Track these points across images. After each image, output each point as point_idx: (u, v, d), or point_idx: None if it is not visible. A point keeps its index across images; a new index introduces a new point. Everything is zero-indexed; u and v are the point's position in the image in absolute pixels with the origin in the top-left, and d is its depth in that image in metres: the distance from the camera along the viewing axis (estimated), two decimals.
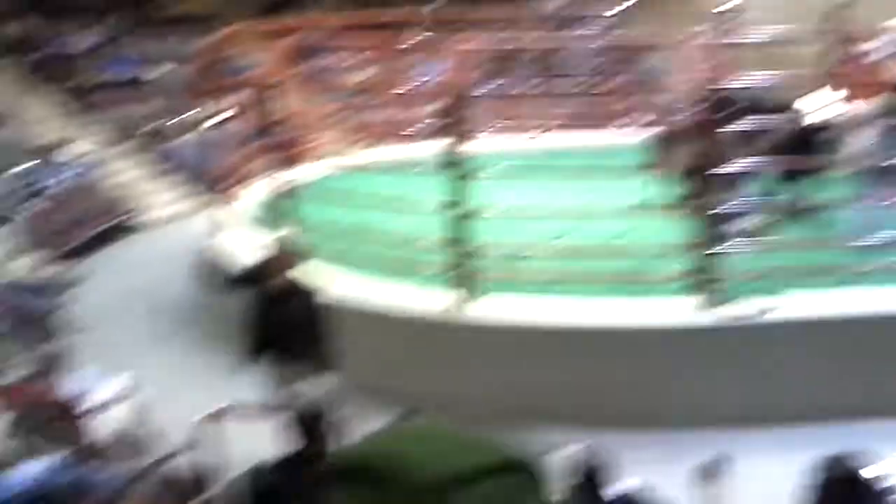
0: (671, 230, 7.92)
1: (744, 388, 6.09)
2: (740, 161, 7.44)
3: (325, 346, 5.13)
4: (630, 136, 10.73)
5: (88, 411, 3.71)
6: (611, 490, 3.52)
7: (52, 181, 10.99)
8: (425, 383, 6.17)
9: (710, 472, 3.57)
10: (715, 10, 12.16)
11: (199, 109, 10.04)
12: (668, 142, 8.54)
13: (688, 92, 6.85)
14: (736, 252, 6.57)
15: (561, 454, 3.69)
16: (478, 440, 0.54)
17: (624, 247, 7.28)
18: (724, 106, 7.66)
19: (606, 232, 7.84)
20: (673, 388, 6.09)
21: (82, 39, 14.75)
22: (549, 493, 0.57)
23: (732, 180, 7.70)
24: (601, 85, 13.96)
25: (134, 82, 14.57)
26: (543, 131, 12.10)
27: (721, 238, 6.43)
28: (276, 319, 5.22)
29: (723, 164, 6.65)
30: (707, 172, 6.17)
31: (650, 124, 12.90)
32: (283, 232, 5.82)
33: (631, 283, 6.69)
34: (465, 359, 6.29)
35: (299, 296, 5.27)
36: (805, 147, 7.86)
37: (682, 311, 6.25)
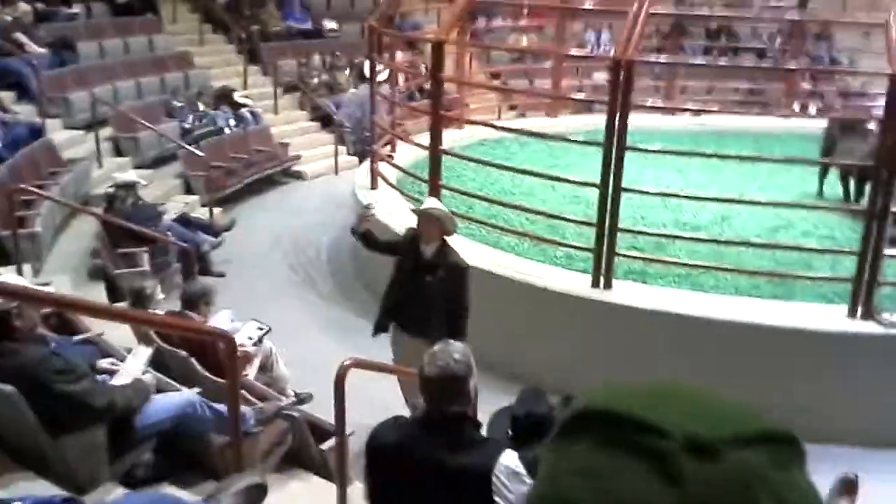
0: (833, 228, 7.40)
1: (891, 403, 5.62)
2: None
3: (459, 318, 5.10)
4: (803, 123, 10.03)
5: (235, 352, 3.85)
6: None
7: (221, 125, 11.53)
8: (553, 362, 6.07)
9: (847, 487, 3.34)
10: None
11: (367, 64, 10.22)
12: (846, 132, 7.93)
13: (878, 79, 6.29)
14: None
15: None
16: (734, 404, 0.50)
17: (780, 242, 6.86)
18: None
19: (764, 224, 7.43)
20: (811, 398, 5.70)
21: None
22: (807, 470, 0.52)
23: None
24: (778, 65, 13.16)
25: (308, 34, 15.02)
26: (709, 111, 11.52)
27: (891, 242, 5.91)
28: (414, 290, 5.23)
29: None
30: (889, 170, 5.65)
31: (828, 111, 12.07)
32: (432, 201, 5.75)
33: (782, 281, 6.29)
34: (599, 341, 6.13)
35: (440, 267, 5.22)
36: None
37: (834, 316, 5.81)
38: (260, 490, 2.61)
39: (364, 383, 5.39)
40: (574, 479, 0.59)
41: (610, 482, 0.57)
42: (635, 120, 6.49)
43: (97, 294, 6.87)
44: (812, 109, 12.58)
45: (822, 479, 3.44)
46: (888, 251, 5.85)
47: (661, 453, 0.56)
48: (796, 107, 12.10)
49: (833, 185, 8.53)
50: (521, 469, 2.80)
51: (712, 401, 0.63)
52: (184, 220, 8.61)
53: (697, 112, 11.16)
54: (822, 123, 8.87)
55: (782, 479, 0.57)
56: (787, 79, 11.79)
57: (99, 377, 4.10)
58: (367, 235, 5.61)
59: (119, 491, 3.62)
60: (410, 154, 9.06)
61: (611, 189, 6.18)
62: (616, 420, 0.59)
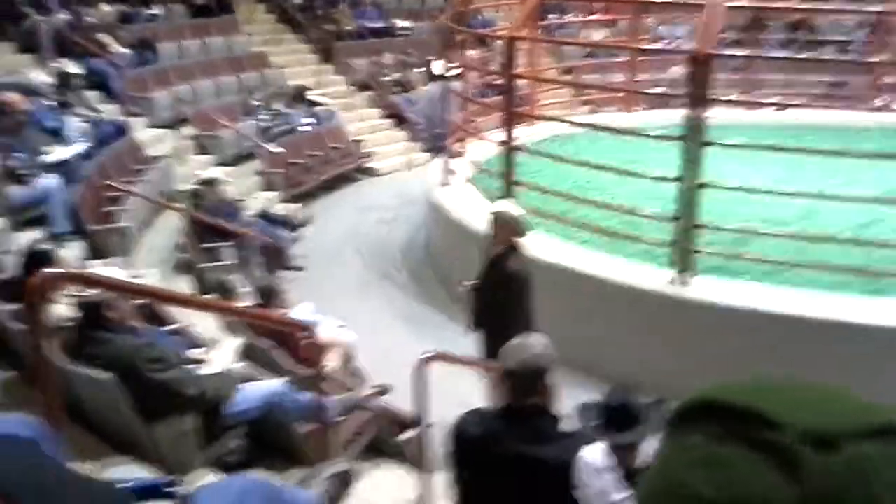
0: None
1: None
2: None
3: (506, 330, 5.04)
4: (888, 118, 9.69)
5: (316, 343, 3.95)
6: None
7: (297, 123, 11.75)
8: (631, 359, 6.01)
9: None
10: None
11: (439, 62, 10.28)
12: None
13: None
14: None
15: None
16: (851, 397, 0.50)
17: (865, 239, 6.64)
18: None
19: (852, 220, 7.20)
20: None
21: None
22: None
23: None
24: (861, 59, 12.74)
25: (381, 32, 15.18)
26: (790, 105, 11.22)
27: None
28: (492, 288, 5.22)
29: None
30: None
31: None
32: (507, 200, 5.71)
33: (872, 277, 6.09)
34: (678, 338, 6.05)
35: (512, 264, 5.19)
36: None
37: None
38: (348, 476, 2.67)
39: (441, 376, 5.44)
40: (692, 471, 0.59)
41: (729, 474, 0.57)
42: (715, 114, 6.38)
43: (183, 287, 7.08)
44: None
45: None
46: None
47: (780, 446, 0.56)
48: (879, 101, 11.69)
49: None
50: (603, 464, 2.79)
51: (829, 394, 0.62)
52: (265, 216, 8.81)
53: (781, 106, 10.89)
54: None
55: None
56: (872, 72, 11.41)
57: (190, 366, 4.23)
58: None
59: (210, 476, 3.74)
60: (483, 150, 9.07)
61: (692, 184, 6.07)
62: (734, 412, 0.59)
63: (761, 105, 11.07)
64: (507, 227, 5.17)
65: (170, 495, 2.55)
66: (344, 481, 2.67)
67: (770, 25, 14.28)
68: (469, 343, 6.87)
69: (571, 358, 5.56)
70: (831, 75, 12.42)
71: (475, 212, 7.83)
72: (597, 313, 6.45)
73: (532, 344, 3.19)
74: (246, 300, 5.78)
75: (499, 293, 5.13)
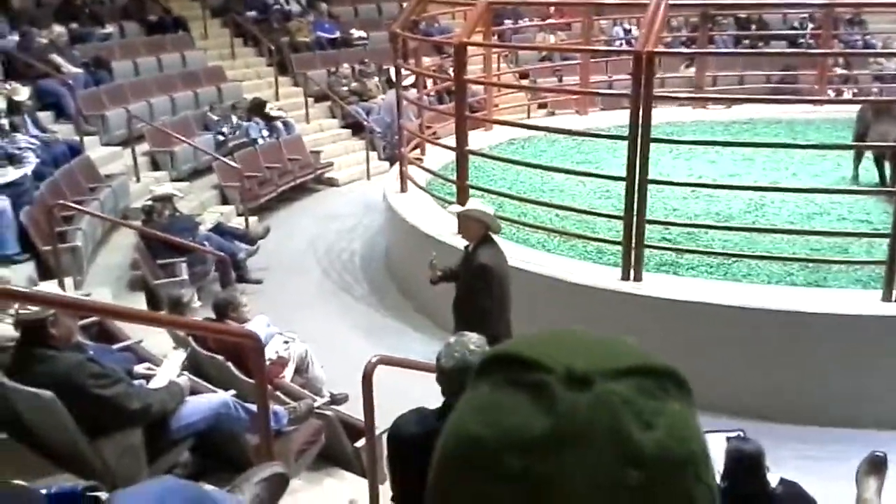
0: (869, 212, 7.29)
1: None
2: None
3: (473, 319, 5.09)
4: (836, 109, 9.88)
5: (263, 353, 3.95)
6: (765, 479, 3.37)
7: (255, 135, 11.73)
8: None
9: (875, 467, 3.30)
10: None
11: (394, 71, 10.31)
12: (879, 116, 7.80)
13: None
14: None
15: (717, 440, 3.54)
16: (623, 345, 0.54)
17: (813, 228, 6.77)
18: None
19: (798, 211, 7.35)
20: (845, 383, 5.62)
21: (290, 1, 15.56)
22: (692, 401, 0.56)
23: None
24: (808, 52, 12.97)
25: (337, 43, 15.19)
26: (738, 99, 11.40)
27: None
28: (464, 283, 5.29)
29: None
30: None
31: (860, 96, 11.87)
32: (471, 202, 5.76)
33: (817, 267, 6.21)
34: (629, 333, 6.10)
35: (483, 258, 5.23)
36: None
37: (867, 300, 5.73)
38: (282, 479, 2.67)
39: (400, 383, 5.46)
40: (472, 415, 0.65)
41: (498, 414, 0.63)
42: (667, 113, 6.49)
43: (137, 305, 7.03)
44: (846, 94, 12.38)
45: (856, 461, 3.42)
46: None
47: (540, 385, 0.62)
48: (830, 92, 11.91)
49: (868, 170, 8.40)
50: None
51: (604, 342, 0.68)
52: (220, 230, 8.78)
53: (728, 102, 11.06)
54: (856, 108, 8.74)
55: (651, 406, 0.62)
56: (820, 65, 11.61)
57: (136, 381, 4.22)
58: (444, 278, 5.58)
59: None
60: (440, 157, 9.12)
61: (637, 181, 6.16)
62: (512, 361, 0.65)
63: (710, 101, 11.22)
64: (477, 224, 5.19)
65: (92, 500, 2.54)
66: (278, 484, 2.67)
67: (721, 22, 14.49)
68: (431, 349, 6.90)
69: None
70: (781, 70, 12.63)
71: (432, 218, 7.87)
72: (552, 313, 6.50)
73: (467, 341, 3.24)
74: (200, 315, 5.77)
75: (470, 288, 5.17)
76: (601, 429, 0.61)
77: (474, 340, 3.27)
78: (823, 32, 12.02)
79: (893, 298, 5.67)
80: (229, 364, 4.60)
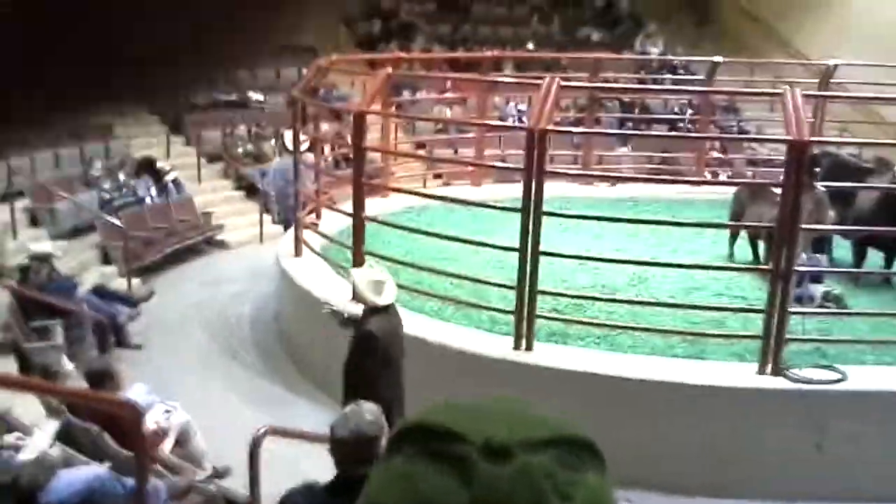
0: (746, 289, 7.69)
1: (801, 457, 5.80)
2: (826, 223, 7.18)
3: (350, 388, 5.06)
4: (713, 189, 10.46)
5: (142, 424, 3.77)
6: None
7: (142, 195, 11.42)
8: None
9: None
10: (818, 66, 11.83)
11: (292, 135, 10.30)
12: (754, 197, 8.31)
13: (778, 147, 6.63)
14: (811, 316, 6.31)
15: None
16: (539, 415, 0.54)
17: (694, 303, 7.08)
18: (816, 164, 7.43)
19: (679, 286, 7.66)
20: (725, 453, 5.84)
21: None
22: (607, 471, 0.57)
23: (816, 242, 7.44)
24: (688, 135, 13.74)
25: (232, 105, 15.08)
26: (623, 179, 11.93)
27: (797, 301, 6.17)
28: (350, 350, 5.23)
29: (808, 224, 6.41)
30: (790, 232, 5.93)
31: (736, 177, 12.63)
32: (372, 265, 5.77)
33: (698, 340, 6.48)
34: None
35: (366, 326, 5.22)
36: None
37: (747, 373, 6.00)
38: None
39: (289, 455, 5.31)
40: (390, 486, 0.65)
41: (415, 486, 0.63)
42: (556, 188, 6.70)
43: (7, 368, 6.61)
44: (722, 177, 13.13)
45: None
46: (793, 309, 6.09)
47: (459, 457, 0.62)
48: (707, 174, 12.60)
49: (744, 248, 8.88)
50: None
51: (522, 411, 0.69)
52: (100, 292, 8.43)
53: (613, 181, 11.55)
54: (732, 190, 9.26)
55: (570, 478, 0.63)
56: (698, 148, 12.31)
57: (4, 453, 3.95)
58: (351, 321, 5.53)
59: None
60: (337, 222, 9.10)
61: (529, 253, 6.31)
62: (429, 431, 0.65)
63: (597, 178, 11.69)
64: (363, 292, 5.23)
65: None
66: None
67: (606, 105, 15.21)
68: (320, 418, 6.75)
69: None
70: (662, 151, 13.32)
71: (326, 283, 7.79)
72: (445, 381, 6.49)
73: (362, 412, 3.20)
74: (74, 381, 5.48)
75: (354, 354, 5.16)
76: (522, 502, 0.61)
77: (370, 410, 3.24)
78: (701, 118, 12.78)
79: (768, 371, 5.96)
80: (105, 434, 4.37)
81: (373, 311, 5.26)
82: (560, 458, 0.64)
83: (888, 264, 8.02)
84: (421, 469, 0.64)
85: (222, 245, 12.11)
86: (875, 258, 8.08)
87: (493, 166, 11.92)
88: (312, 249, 8.59)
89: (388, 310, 5.31)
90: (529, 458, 0.63)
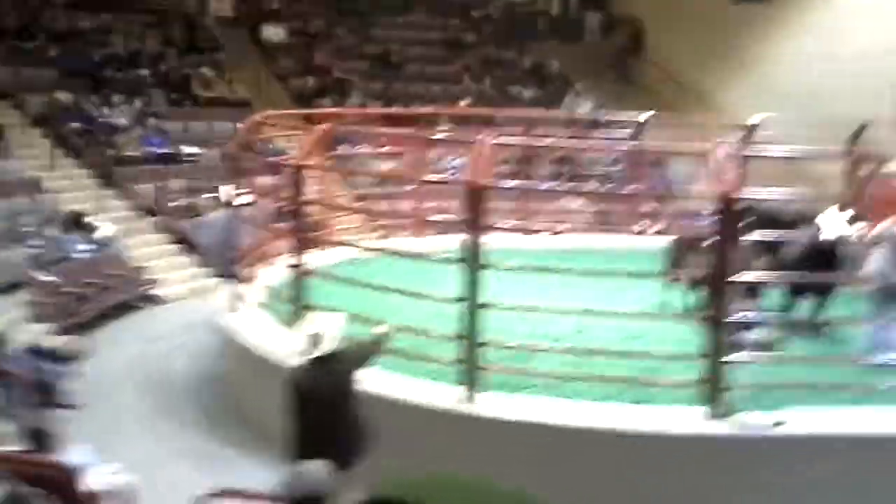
0: (684, 336, 7.90)
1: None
2: (756, 272, 7.47)
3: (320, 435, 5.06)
4: (648, 241, 10.80)
5: (83, 487, 3.65)
6: None
7: (72, 250, 11.16)
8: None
9: None
10: (739, 123, 12.39)
11: (227, 188, 10.25)
12: (685, 248, 8.60)
13: (708, 200, 6.91)
14: (747, 362, 6.51)
15: None
16: (506, 492, 0.56)
17: (635, 350, 7.24)
18: (744, 216, 7.74)
19: (619, 334, 7.82)
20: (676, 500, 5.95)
21: (117, 113, 15.22)
22: None
23: (748, 290, 7.71)
24: (622, 188, 14.15)
25: (164, 159, 14.92)
26: (561, 230, 12.19)
27: (733, 347, 6.37)
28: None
29: (739, 273, 6.66)
30: (723, 281, 6.16)
31: (668, 229, 13.03)
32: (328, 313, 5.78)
33: (640, 387, 6.61)
34: (469, 454, 6.18)
35: (311, 377, 5.22)
36: (822, 262, 7.87)
37: (689, 419, 6.15)
38: None
39: None
40: None
41: None
42: (496, 239, 6.82)
43: None
44: (652, 229, 13.53)
45: None
46: (731, 356, 6.29)
47: None
48: (637, 226, 12.96)
49: (681, 296, 9.13)
50: None
51: (480, 485, 0.75)
52: (33, 350, 8.17)
53: (552, 231, 11.81)
54: (663, 240, 9.56)
55: None
56: (629, 201, 12.69)
57: None
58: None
59: None
60: (275, 275, 9.03)
61: (471, 305, 6.39)
62: None
63: (533, 231, 11.93)
64: (314, 341, 5.25)
65: None
66: None
67: (542, 158, 15.60)
68: (264, 476, 6.61)
69: (357, 478, 5.54)
70: (594, 204, 13.68)
71: (266, 337, 7.71)
72: (389, 433, 6.47)
73: (313, 470, 3.21)
74: (11, 444, 5.27)
75: (292, 408, 5.14)
76: None
77: (322, 468, 3.25)
78: (631, 172, 13.20)
79: (712, 416, 6.11)
80: (53, 497, 4.22)
81: (317, 363, 5.25)
82: None
83: (816, 311, 8.35)
84: None
85: (157, 300, 11.87)
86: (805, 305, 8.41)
87: (431, 220, 12.05)
88: (251, 303, 8.50)
89: (333, 361, 5.27)
90: None
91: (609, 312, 7.86)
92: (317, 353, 5.23)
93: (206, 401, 8.38)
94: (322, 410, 5.13)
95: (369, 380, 6.74)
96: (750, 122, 11.62)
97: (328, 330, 5.33)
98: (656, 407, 6.38)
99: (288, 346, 6.60)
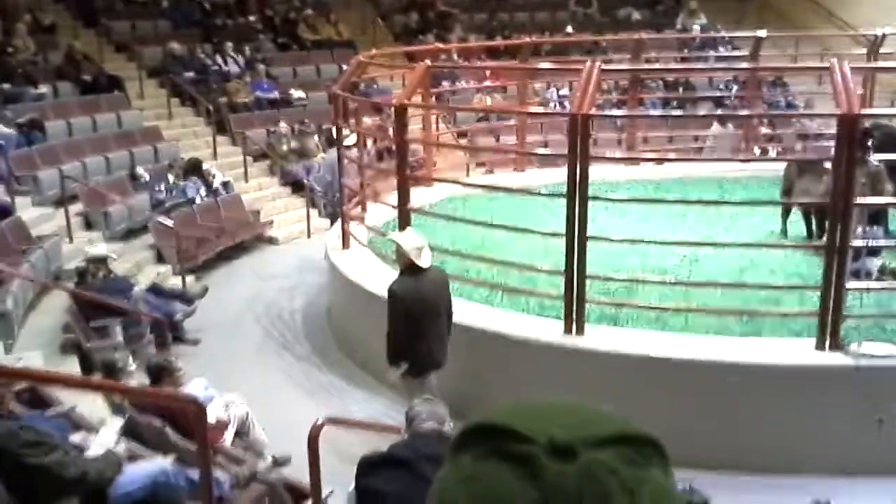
0: (799, 265, 7.55)
1: (860, 434, 5.69)
2: (882, 196, 7.02)
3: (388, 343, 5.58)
4: (764, 167, 10.29)
5: (204, 418, 3.85)
6: None
7: (192, 195, 11.61)
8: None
9: None
10: (867, 35, 11.54)
11: (334, 130, 10.37)
12: (802, 173, 8.15)
13: (829, 121, 6.49)
14: (867, 291, 6.17)
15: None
16: (603, 413, 0.55)
17: (746, 281, 6.97)
18: (869, 137, 7.25)
19: (729, 265, 7.55)
20: (784, 430, 5.76)
21: (228, 61, 15.59)
22: (670, 466, 0.58)
23: (871, 216, 7.27)
24: (734, 113, 13.51)
25: (276, 103, 15.23)
26: (669, 159, 11.77)
27: (853, 276, 6.04)
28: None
29: (862, 198, 6.27)
30: (844, 206, 5.81)
31: (785, 154, 12.38)
32: (409, 230, 6.17)
33: (750, 318, 6.38)
34: (572, 386, 6.16)
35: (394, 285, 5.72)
36: None
37: (802, 350, 5.90)
38: None
39: (343, 442, 5.39)
40: (457, 487, 0.66)
41: (484, 486, 0.64)
42: (601, 171, 6.65)
43: (70, 368, 6.81)
44: (772, 153, 12.89)
45: None
46: (850, 284, 5.97)
47: (526, 456, 0.63)
48: (756, 151, 12.38)
49: (796, 224, 8.72)
50: None
51: (583, 410, 0.70)
52: (156, 290, 8.61)
53: (659, 161, 11.41)
54: (781, 166, 9.09)
55: (635, 474, 0.64)
56: (745, 125, 12.10)
57: (71, 450, 4.06)
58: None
59: None
60: (382, 214, 9.15)
61: (576, 238, 6.27)
62: (493, 432, 0.67)
63: (641, 161, 11.56)
64: (401, 255, 5.78)
65: None
66: None
67: (650, 85, 15.03)
68: (374, 407, 6.83)
69: (471, 411, 5.62)
70: (708, 130, 13.12)
71: (373, 275, 7.86)
72: (496, 367, 6.52)
73: (438, 409, 3.38)
74: (136, 378, 5.61)
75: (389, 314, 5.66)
76: (589, 498, 0.62)
77: (444, 408, 3.49)
78: (748, 94, 12.56)
79: (826, 347, 5.85)
80: (168, 429, 4.48)
81: (403, 272, 5.76)
82: (624, 454, 0.65)
83: None
84: (489, 469, 0.65)
85: (271, 241, 12.28)
86: None
87: (534, 154, 11.87)
88: (359, 241, 8.66)
89: (421, 274, 5.73)
90: (594, 455, 0.64)
91: (720, 243, 7.61)
92: (420, 263, 5.68)
93: (318, 336, 8.67)
94: (402, 315, 5.58)
95: (475, 315, 6.80)
96: (876, 34, 10.78)
97: (426, 245, 5.82)
98: (767, 339, 6.15)
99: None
